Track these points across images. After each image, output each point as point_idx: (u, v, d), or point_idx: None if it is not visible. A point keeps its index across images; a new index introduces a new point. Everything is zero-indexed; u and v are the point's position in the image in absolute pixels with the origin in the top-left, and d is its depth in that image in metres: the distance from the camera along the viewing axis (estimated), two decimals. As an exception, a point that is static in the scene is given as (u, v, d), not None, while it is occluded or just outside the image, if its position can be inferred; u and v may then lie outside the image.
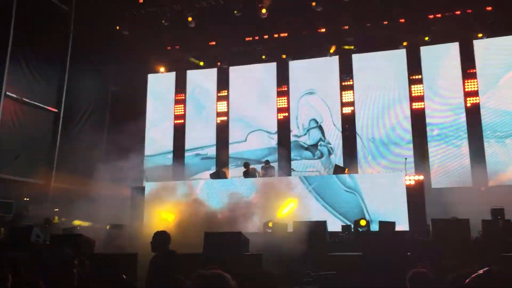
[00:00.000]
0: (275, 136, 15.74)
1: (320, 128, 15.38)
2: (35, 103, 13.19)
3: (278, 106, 15.91)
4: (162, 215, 10.67)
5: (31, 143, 12.98)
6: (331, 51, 15.17)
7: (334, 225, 10.61)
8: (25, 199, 12.48)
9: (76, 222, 10.65)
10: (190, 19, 14.42)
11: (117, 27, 15.05)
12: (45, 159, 13.43)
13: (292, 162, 15.21)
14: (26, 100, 12.87)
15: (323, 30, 15.16)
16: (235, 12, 14.13)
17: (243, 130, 16.09)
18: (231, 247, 7.50)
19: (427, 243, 8.98)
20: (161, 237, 5.40)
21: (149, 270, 5.25)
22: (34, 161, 12.95)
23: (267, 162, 13.94)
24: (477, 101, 13.90)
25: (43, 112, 13.57)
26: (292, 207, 10.88)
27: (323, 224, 9.85)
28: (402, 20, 14.37)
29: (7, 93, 12.13)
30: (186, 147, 16.54)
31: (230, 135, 16.18)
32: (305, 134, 15.51)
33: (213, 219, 9.64)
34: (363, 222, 9.99)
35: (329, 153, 15.07)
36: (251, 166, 13.55)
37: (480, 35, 13.99)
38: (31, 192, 12.39)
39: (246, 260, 7.40)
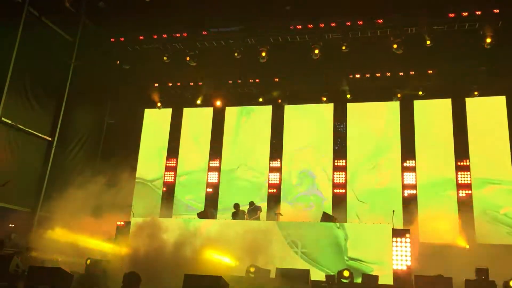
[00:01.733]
0: (266, 178, 15.80)
1: (312, 177, 15.45)
2: (29, 130, 13.22)
3: (271, 152, 16.07)
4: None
5: (22, 170, 12.94)
6: (324, 99, 15.51)
7: (317, 274, 10.51)
8: (10, 225, 12.35)
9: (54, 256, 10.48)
10: (188, 58, 14.67)
11: (118, 62, 15.28)
12: (34, 187, 13.37)
13: (282, 203, 15.22)
14: (21, 126, 12.91)
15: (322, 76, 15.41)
16: (236, 54, 14.38)
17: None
18: (210, 291, 7.42)
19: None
20: (131, 277, 5.39)
21: None
22: (22, 188, 12.89)
23: (252, 203, 13.78)
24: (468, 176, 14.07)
25: (36, 140, 13.59)
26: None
27: (306, 272, 9.79)
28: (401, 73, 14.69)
29: (2, 118, 12.18)
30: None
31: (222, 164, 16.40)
32: (297, 183, 15.59)
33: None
34: (346, 273, 9.90)
35: (320, 202, 15.08)
36: (240, 208, 13.47)
37: (476, 93, 14.27)
38: (16, 219, 12.27)
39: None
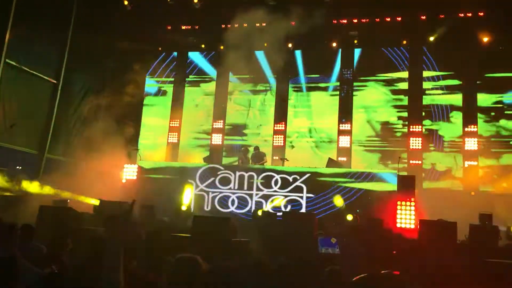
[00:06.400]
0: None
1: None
2: (34, 72, 13.04)
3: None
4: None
5: (28, 112, 12.87)
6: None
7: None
8: (18, 167, 12.38)
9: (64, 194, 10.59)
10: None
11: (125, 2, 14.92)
12: (41, 130, 13.34)
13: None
14: (25, 68, 12.71)
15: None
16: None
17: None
18: (218, 232, 7.55)
19: (413, 243, 9.07)
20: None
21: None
22: (29, 131, 12.87)
23: (257, 148, 13.70)
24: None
25: (41, 82, 13.42)
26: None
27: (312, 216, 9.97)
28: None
29: (7, 60, 11.98)
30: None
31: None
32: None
33: None
34: (350, 216, 10.13)
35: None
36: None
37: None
38: (24, 161, 12.32)
39: (233, 246, 7.46)
